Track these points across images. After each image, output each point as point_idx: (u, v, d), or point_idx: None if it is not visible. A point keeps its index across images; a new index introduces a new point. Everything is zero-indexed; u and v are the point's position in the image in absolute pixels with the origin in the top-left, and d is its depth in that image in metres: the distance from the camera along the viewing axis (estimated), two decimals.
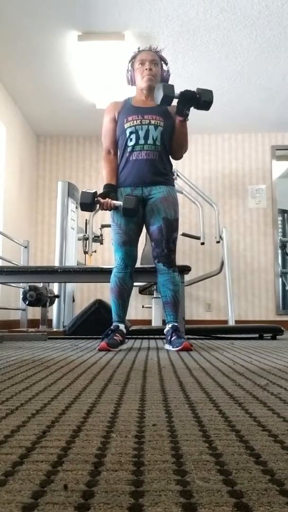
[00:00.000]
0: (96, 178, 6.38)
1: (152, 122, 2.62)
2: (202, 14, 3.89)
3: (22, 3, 3.74)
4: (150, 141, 2.61)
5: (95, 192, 2.58)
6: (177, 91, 2.46)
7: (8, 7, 3.79)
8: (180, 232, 4.80)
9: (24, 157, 5.91)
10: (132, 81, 2.75)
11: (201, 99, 2.47)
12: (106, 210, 2.60)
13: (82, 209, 2.60)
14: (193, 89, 2.53)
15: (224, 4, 3.76)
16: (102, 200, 2.58)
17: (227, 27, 4.05)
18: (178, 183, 5.44)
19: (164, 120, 2.65)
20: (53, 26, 4.04)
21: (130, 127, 2.63)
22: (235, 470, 0.55)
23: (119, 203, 2.58)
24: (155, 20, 3.97)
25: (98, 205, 2.60)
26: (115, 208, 2.61)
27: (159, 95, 2.44)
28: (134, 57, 2.72)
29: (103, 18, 3.93)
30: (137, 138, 2.62)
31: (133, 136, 2.62)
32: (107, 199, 2.58)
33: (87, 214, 5.92)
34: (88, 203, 2.55)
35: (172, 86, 2.43)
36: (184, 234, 5.00)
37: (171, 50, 4.40)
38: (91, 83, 4.96)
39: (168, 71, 2.76)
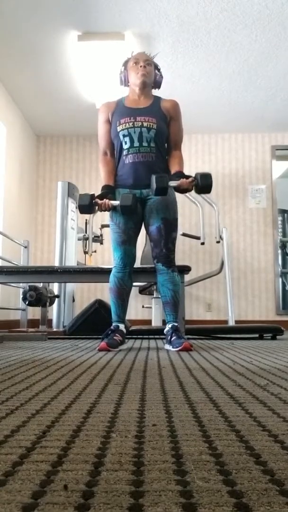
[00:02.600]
0: (96, 178, 6.38)
1: (145, 124, 2.62)
2: (202, 14, 3.89)
3: (22, 3, 3.74)
4: (144, 144, 2.61)
5: (93, 194, 2.58)
6: (173, 182, 2.54)
7: (8, 7, 3.79)
8: (180, 232, 4.80)
9: (24, 157, 5.91)
10: (125, 82, 2.76)
11: (198, 188, 2.54)
12: (104, 211, 2.60)
13: (81, 212, 2.61)
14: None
15: (224, 4, 3.76)
16: (99, 202, 2.57)
17: (227, 27, 4.05)
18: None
19: (158, 121, 2.64)
20: (53, 26, 4.04)
21: (122, 130, 2.63)
22: (235, 470, 0.55)
23: (116, 202, 2.58)
24: (155, 20, 3.97)
25: (96, 207, 2.60)
26: (113, 208, 2.62)
27: (153, 187, 2.51)
28: (127, 60, 2.75)
29: (103, 18, 3.93)
30: (131, 141, 2.62)
31: (127, 139, 2.62)
32: (104, 200, 2.58)
33: (87, 215, 5.93)
34: (87, 205, 2.55)
35: (165, 177, 2.48)
36: (184, 234, 5.00)
37: (171, 50, 4.41)
38: (91, 83, 4.96)
39: (160, 75, 2.77)
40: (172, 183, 2.54)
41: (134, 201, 2.53)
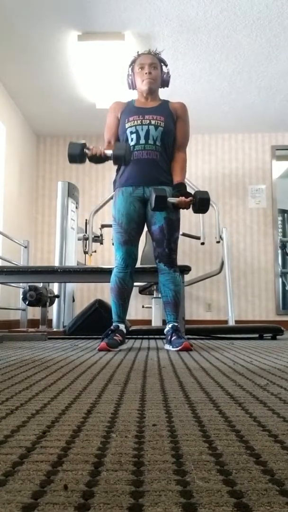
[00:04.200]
0: (96, 178, 6.38)
1: (153, 122, 2.63)
2: (202, 14, 3.89)
3: (22, 4, 3.74)
4: (150, 141, 2.62)
5: (84, 143, 2.49)
6: (171, 200, 2.55)
7: (8, 7, 3.78)
8: (180, 232, 4.80)
9: (24, 157, 5.91)
10: (133, 85, 2.77)
11: (195, 209, 2.56)
12: (95, 159, 2.49)
13: (70, 161, 2.49)
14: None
15: (224, 4, 3.76)
16: (91, 147, 2.49)
17: (227, 27, 4.05)
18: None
19: (165, 120, 2.65)
20: (53, 26, 4.04)
21: (130, 127, 2.64)
22: (235, 470, 0.55)
23: (109, 151, 2.49)
24: (155, 20, 3.96)
25: (88, 154, 2.49)
26: (105, 157, 2.50)
27: (151, 202, 2.52)
28: (133, 61, 2.75)
29: (103, 18, 3.93)
30: (138, 138, 2.63)
31: (134, 136, 2.63)
32: (98, 146, 2.51)
33: (87, 214, 5.93)
34: (77, 154, 2.45)
35: (164, 196, 2.49)
36: (184, 234, 5.00)
37: (171, 50, 4.40)
38: (91, 83, 4.96)
39: (168, 72, 2.78)
40: (171, 200, 2.56)
41: (128, 151, 2.46)
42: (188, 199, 2.55)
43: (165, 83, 2.78)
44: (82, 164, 2.59)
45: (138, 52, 2.83)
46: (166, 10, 3.84)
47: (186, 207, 2.56)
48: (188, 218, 6.20)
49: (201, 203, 2.53)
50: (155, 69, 2.69)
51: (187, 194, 2.57)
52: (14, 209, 5.55)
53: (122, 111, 2.71)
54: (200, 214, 4.95)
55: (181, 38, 4.22)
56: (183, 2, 3.75)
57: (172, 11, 3.85)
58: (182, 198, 2.55)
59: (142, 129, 2.63)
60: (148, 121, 2.63)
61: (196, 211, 2.59)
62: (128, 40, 4.19)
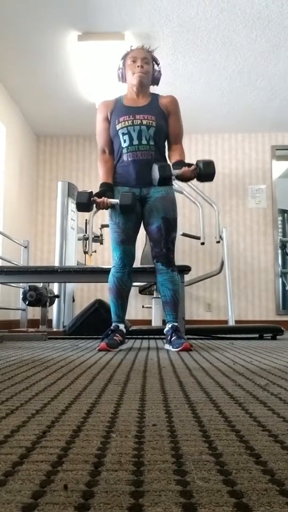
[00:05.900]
0: (96, 178, 6.37)
1: (144, 122, 2.61)
2: (202, 14, 3.89)
3: (22, 3, 3.74)
4: (144, 142, 2.60)
5: (91, 192, 2.57)
6: (176, 170, 2.51)
7: (8, 7, 3.78)
8: (180, 232, 4.80)
9: (24, 157, 5.91)
10: (123, 78, 2.76)
11: (201, 176, 2.52)
12: (103, 209, 2.60)
13: (79, 210, 2.59)
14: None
15: (224, 4, 3.76)
16: (98, 200, 2.56)
17: (227, 27, 4.05)
18: (178, 183, 5.44)
19: (157, 119, 2.63)
20: (53, 26, 4.04)
21: (122, 128, 2.62)
22: (235, 470, 0.55)
23: (115, 201, 2.57)
24: (155, 20, 3.96)
25: (94, 205, 2.59)
26: (111, 207, 2.60)
27: (155, 176, 2.47)
28: (126, 55, 2.73)
29: (103, 18, 3.93)
30: (131, 139, 2.61)
31: (126, 137, 2.61)
32: (103, 198, 2.57)
33: (87, 214, 5.93)
34: (85, 203, 2.54)
35: (168, 166, 2.46)
36: (184, 234, 5.00)
37: (171, 50, 4.40)
38: (91, 83, 4.96)
39: (159, 71, 2.76)
40: (175, 172, 2.52)
41: (133, 200, 2.52)
42: (192, 167, 2.52)
43: (155, 80, 2.75)
44: (90, 211, 2.67)
45: (131, 46, 2.82)
46: (166, 10, 3.84)
47: (191, 176, 2.52)
48: (188, 218, 6.20)
49: (206, 167, 2.46)
50: (147, 64, 2.66)
51: (189, 165, 2.54)
52: (14, 209, 5.55)
53: (111, 110, 2.68)
54: (200, 214, 4.94)
55: (181, 38, 4.22)
56: (183, 2, 3.75)
57: (172, 11, 3.85)
58: (186, 168, 2.52)
59: (134, 130, 2.60)
60: (139, 121, 2.60)
61: (202, 179, 2.52)
62: (128, 40, 4.18)
